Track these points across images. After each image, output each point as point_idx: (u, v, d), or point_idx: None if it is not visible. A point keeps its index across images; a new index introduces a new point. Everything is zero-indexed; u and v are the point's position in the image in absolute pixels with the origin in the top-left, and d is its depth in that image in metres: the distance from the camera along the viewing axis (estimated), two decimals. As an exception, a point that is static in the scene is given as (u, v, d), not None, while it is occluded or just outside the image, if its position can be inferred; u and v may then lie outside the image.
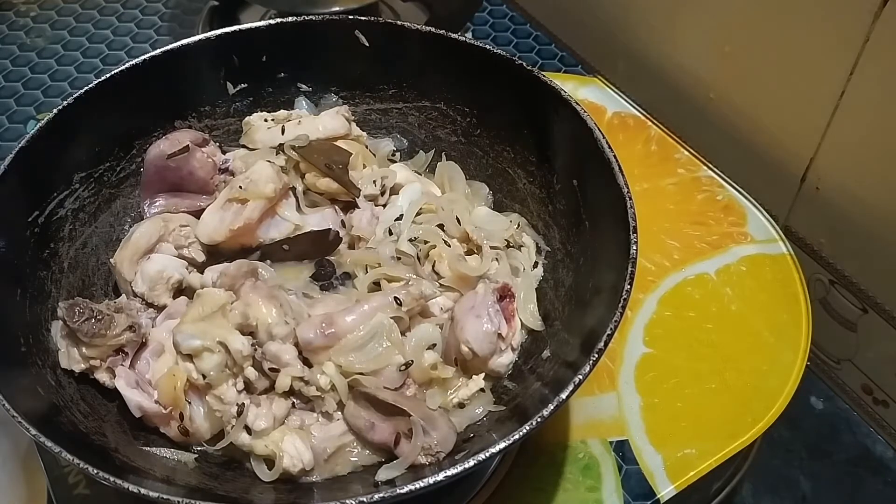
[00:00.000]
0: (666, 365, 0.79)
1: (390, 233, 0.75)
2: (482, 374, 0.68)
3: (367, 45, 0.81)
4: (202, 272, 0.71)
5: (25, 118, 1.07)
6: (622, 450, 0.74)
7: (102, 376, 0.67)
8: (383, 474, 0.62)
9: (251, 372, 0.64)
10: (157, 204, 0.77)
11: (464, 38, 0.79)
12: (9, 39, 1.19)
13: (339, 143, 0.79)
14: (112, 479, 0.54)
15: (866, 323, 0.92)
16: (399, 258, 0.73)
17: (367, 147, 0.82)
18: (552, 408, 0.55)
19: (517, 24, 1.21)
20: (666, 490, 0.71)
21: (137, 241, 0.72)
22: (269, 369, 0.64)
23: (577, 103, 0.72)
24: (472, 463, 0.54)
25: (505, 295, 0.69)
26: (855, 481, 0.89)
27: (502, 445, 0.55)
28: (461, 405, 0.67)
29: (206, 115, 0.82)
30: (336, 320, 0.65)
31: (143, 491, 0.53)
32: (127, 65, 0.76)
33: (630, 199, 0.65)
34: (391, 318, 0.66)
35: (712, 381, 0.78)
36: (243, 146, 0.81)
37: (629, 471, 0.73)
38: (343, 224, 0.77)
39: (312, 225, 0.75)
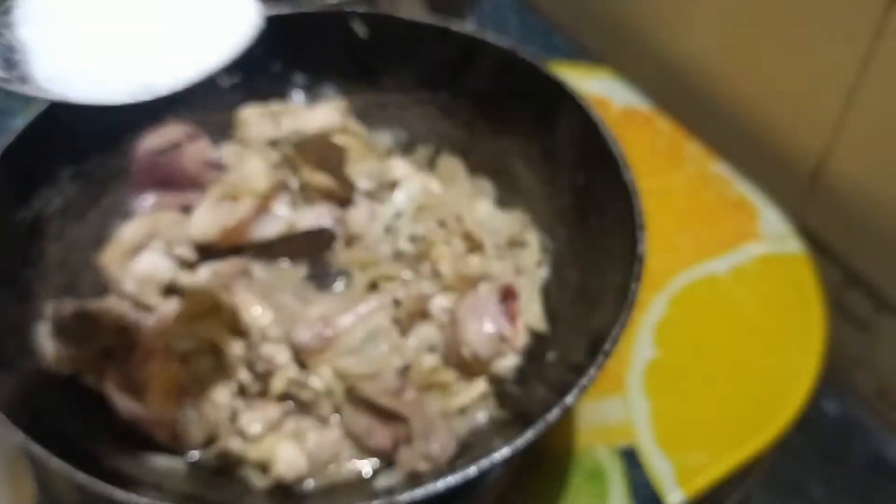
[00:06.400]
0: (675, 368, 0.78)
1: (388, 231, 0.74)
2: (484, 378, 0.67)
3: (365, 36, 0.80)
4: (194, 271, 0.70)
5: (13, 115, 1.05)
6: (630, 456, 0.72)
7: (91, 379, 0.65)
8: (381, 482, 0.61)
9: (244, 374, 0.63)
10: (147, 201, 0.76)
11: (465, 29, 0.78)
12: None
13: (336, 138, 0.77)
14: (101, 485, 0.52)
15: (881, 324, 0.90)
16: (398, 257, 0.72)
17: (364, 141, 0.81)
18: (557, 413, 0.54)
19: (520, 13, 1.19)
20: (675, 498, 0.70)
21: (127, 239, 0.71)
22: (263, 371, 0.63)
23: (583, 96, 0.71)
24: (473, 470, 0.53)
25: (508, 295, 0.68)
26: (869, 487, 0.88)
27: (504, 452, 0.53)
28: (462, 410, 0.66)
29: (197, 109, 0.80)
30: (332, 321, 0.64)
31: (133, 498, 0.52)
32: (117, 58, 0.75)
33: (638, 195, 0.65)
34: (390, 319, 0.65)
35: (723, 385, 0.76)
36: (236, 141, 0.79)
37: (637, 478, 0.71)
38: (339, 222, 0.75)
39: (307, 222, 0.74)
